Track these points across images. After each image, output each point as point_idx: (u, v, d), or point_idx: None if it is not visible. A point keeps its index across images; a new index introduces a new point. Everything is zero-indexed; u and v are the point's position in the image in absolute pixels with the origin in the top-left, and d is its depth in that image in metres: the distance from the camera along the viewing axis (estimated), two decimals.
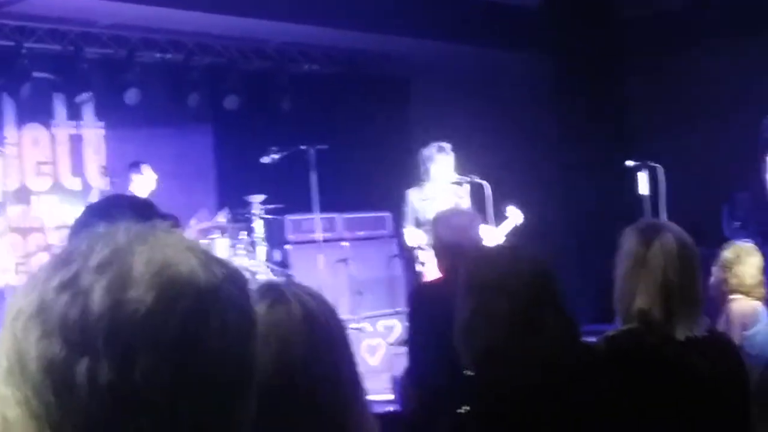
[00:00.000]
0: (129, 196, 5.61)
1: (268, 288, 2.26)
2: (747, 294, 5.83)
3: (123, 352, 1.08)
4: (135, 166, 10.78)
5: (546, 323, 2.97)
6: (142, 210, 2.88)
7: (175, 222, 2.95)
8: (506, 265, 3.08)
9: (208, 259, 1.16)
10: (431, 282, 7.75)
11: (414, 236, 9.03)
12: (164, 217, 2.94)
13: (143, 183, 10.57)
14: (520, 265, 3.06)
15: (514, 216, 9.49)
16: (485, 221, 8.87)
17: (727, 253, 5.92)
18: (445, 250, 5.21)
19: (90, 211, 3.08)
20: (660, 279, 3.41)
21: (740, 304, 5.81)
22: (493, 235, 8.96)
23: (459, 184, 9.35)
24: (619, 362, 3.35)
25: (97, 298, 1.09)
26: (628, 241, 3.57)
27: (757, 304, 5.83)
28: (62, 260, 1.14)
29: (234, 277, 1.18)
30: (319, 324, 2.14)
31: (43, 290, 1.12)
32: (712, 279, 5.84)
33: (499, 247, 4.14)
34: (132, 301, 1.09)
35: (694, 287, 3.47)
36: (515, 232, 9.43)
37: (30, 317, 1.11)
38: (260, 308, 2.09)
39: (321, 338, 2.13)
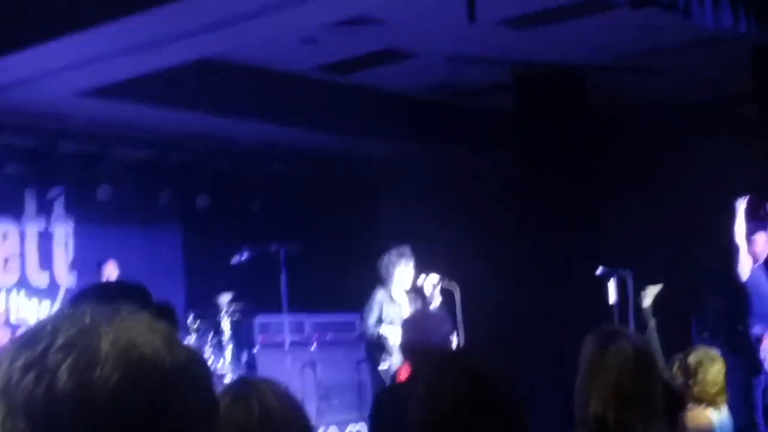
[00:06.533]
0: (117, 283, 5.53)
1: (234, 384, 2.30)
2: (709, 402, 5.85)
3: (88, 431, 1.10)
4: (98, 265, 10.90)
5: None
6: (130, 298, 2.79)
7: (169, 311, 2.90)
8: (459, 373, 3.13)
9: (172, 340, 1.19)
10: (395, 384, 7.81)
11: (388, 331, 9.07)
12: (156, 305, 2.92)
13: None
14: (474, 375, 3.11)
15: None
16: (454, 324, 8.96)
17: (690, 359, 5.94)
18: (412, 352, 5.27)
19: (76, 299, 3.06)
20: (614, 384, 3.47)
21: (695, 415, 5.82)
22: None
23: (430, 286, 9.46)
24: None
25: (63, 377, 1.10)
26: (586, 346, 3.65)
27: (713, 414, 5.85)
28: (27, 341, 1.15)
29: (197, 359, 1.21)
30: (278, 424, 2.17)
31: (8, 370, 1.13)
32: (678, 385, 5.86)
33: (456, 356, 4.18)
34: (98, 381, 1.10)
35: (650, 394, 3.52)
36: (482, 337, 9.48)
37: None
38: (222, 403, 2.14)
39: None
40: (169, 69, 9.80)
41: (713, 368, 5.89)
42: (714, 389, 5.85)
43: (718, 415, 5.87)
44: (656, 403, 3.56)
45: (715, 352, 6.13)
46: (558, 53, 11.44)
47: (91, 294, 3.04)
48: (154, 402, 1.13)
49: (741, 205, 10.17)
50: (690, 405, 5.84)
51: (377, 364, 9.21)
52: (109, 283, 4.81)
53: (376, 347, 9.23)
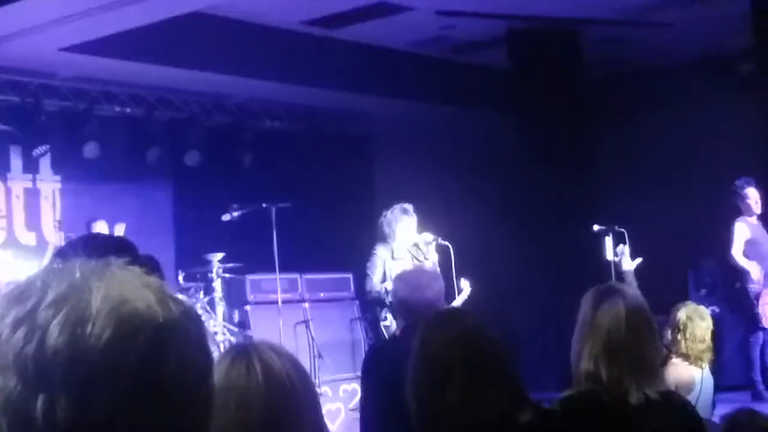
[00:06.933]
0: (103, 236, 5.53)
1: (234, 346, 2.30)
2: (695, 358, 5.88)
3: (80, 388, 1.10)
4: (88, 224, 10.87)
5: (487, 391, 3.05)
6: (117, 251, 2.77)
7: (154, 264, 2.87)
8: (450, 332, 3.18)
9: (165, 295, 1.19)
10: (386, 341, 7.82)
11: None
12: (141, 258, 2.86)
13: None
14: (462, 332, 3.16)
15: (467, 288, 9.54)
16: (450, 282, 8.98)
17: (681, 315, 5.97)
18: (402, 309, 5.27)
19: (62, 252, 3.04)
20: (604, 340, 3.51)
21: (676, 370, 5.86)
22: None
23: (424, 244, 9.45)
24: (575, 424, 3.43)
25: (54, 333, 1.10)
26: (583, 304, 3.68)
27: (695, 371, 5.87)
28: (17, 296, 1.15)
29: (190, 314, 1.21)
30: (280, 383, 2.16)
31: None
32: (665, 340, 5.90)
33: (447, 313, 4.20)
34: (90, 337, 1.11)
35: (642, 350, 3.54)
36: (478, 295, 9.50)
37: None
38: (222, 366, 2.16)
39: (282, 398, 2.15)
40: (157, 23, 9.74)
41: (702, 325, 5.93)
42: (701, 346, 5.88)
43: (700, 372, 5.90)
44: (649, 360, 3.58)
45: (704, 309, 6.16)
46: (553, 7, 11.38)
47: (78, 247, 3.00)
48: (146, 357, 1.12)
49: (752, 191, 10.16)
50: (675, 360, 5.88)
51: (379, 320, 9.18)
52: (94, 236, 4.77)
53: (380, 304, 9.20)
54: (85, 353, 1.10)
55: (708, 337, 5.93)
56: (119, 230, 10.87)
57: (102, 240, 3.68)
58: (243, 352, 2.21)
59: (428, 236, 9.44)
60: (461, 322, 3.25)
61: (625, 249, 9.16)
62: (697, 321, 5.93)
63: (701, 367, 5.90)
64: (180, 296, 1.25)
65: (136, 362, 1.12)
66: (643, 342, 3.56)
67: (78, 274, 1.16)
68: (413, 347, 3.20)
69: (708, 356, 5.92)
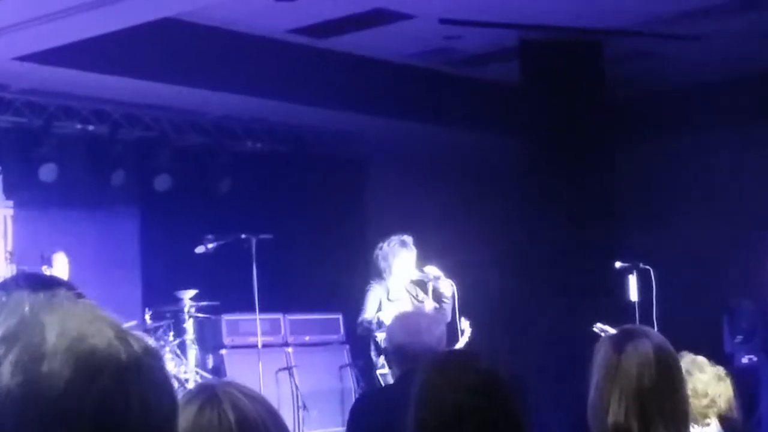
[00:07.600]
0: (27, 274, 5.53)
1: (200, 389, 2.28)
2: (699, 416, 5.82)
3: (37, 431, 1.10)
4: (45, 257, 10.82)
5: None
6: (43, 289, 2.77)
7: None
8: (460, 376, 3.20)
9: (123, 331, 1.20)
10: (377, 389, 7.83)
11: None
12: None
13: (55, 274, 10.54)
14: (469, 379, 3.18)
15: (468, 329, 9.52)
16: (452, 322, 8.97)
17: None
18: (398, 355, 5.29)
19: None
20: (635, 388, 3.48)
21: None
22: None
23: (423, 281, 9.43)
24: None
25: (6, 373, 1.11)
26: (602, 349, 3.66)
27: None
28: None
29: (152, 352, 1.22)
30: (254, 430, 2.15)
31: None
32: None
33: (451, 358, 4.23)
34: (47, 376, 1.11)
35: (674, 397, 3.54)
36: (484, 337, 9.48)
37: None
38: (189, 411, 2.15)
39: None
40: (124, 30, 9.74)
41: (703, 378, 5.86)
42: (704, 401, 5.82)
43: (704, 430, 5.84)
44: (681, 407, 3.57)
45: (703, 360, 6.10)
46: (571, 16, 11.41)
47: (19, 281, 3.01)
48: (108, 399, 1.14)
49: None
50: None
51: (374, 367, 9.14)
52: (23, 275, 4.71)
53: (376, 350, 9.15)
54: (41, 394, 1.11)
55: (711, 390, 5.87)
56: (62, 261, 10.81)
57: (41, 276, 3.68)
58: (211, 396, 2.20)
59: (435, 270, 9.41)
60: (472, 366, 3.26)
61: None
62: (696, 374, 5.86)
63: (707, 425, 5.84)
64: (140, 333, 1.26)
65: (97, 403, 1.13)
66: (675, 388, 3.56)
67: (27, 308, 1.17)
68: (414, 389, 3.20)
69: (714, 411, 5.86)
